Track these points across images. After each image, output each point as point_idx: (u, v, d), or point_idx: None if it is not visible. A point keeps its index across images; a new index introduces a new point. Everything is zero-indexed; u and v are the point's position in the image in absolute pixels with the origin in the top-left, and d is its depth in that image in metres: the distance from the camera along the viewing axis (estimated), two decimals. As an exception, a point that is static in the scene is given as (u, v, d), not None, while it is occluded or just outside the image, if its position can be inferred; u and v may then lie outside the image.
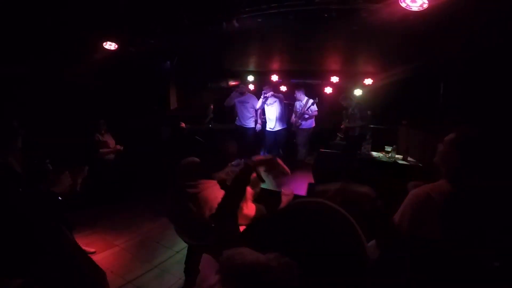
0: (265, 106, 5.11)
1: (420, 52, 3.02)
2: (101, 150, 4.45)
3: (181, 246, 3.03)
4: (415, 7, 1.98)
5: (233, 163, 5.67)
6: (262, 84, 5.67)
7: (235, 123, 5.37)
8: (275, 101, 5.02)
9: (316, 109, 5.16)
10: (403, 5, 2.02)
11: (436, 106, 3.18)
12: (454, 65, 2.60)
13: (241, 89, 5.13)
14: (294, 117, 5.30)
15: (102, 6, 3.03)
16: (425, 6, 1.92)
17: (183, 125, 5.28)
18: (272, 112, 5.09)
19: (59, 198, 1.38)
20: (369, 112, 4.95)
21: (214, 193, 1.78)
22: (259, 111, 5.29)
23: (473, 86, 2.46)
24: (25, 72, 3.50)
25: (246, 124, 5.27)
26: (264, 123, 5.52)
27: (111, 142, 4.55)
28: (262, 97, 5.04)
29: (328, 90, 5.59)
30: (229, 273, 0.48)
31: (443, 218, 1.12)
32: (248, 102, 5.16)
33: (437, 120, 3.09)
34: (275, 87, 5.22)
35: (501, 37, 2.00)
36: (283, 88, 5.76)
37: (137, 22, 3.49)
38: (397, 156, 3.93)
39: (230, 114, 5.73)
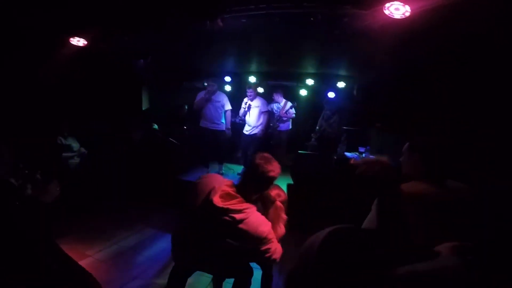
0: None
1: (395, 57, 3.26)
2: (64, 154, 4.07)
3: (164, 256, 2.88)
4: (397, 15, 2.13)
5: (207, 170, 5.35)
6: (239, 85, 5.64)
7: (200, 125, 4.68)
8: (259, 105, 4.67)
9: (294, 111, 5.29)
10: (386, 12, 2.16)
11: (406, 109, 3.45)
12: (425, 70, 2.85)
13: (211, 87, 4.50)
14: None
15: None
16: (407, 14, 2.08)
17: (155, 126, 5.04)
18: (253, 115, 4.67)
19: (50, 208, 1.28)
20: (346, 115, 5.20)
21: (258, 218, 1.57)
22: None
23: (443, 91, 2.72)
24: None
25: (217, 127, 4.62)
26: (237, 124, 5.35)
27: (75, 145, 4.19)
28: (244, 103, 4.67)
29: (304, 92, 5.77)
30: None
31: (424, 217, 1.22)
32: (218, 101, 4.56)
33: (408, 123, 3.36)
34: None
35: (477, 45, 2.24)
36: (260, 90, 5.76)
37: (111, 17, 3.25)
38: (370, 156, 4.17)
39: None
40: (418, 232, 1.15)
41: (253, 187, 1.64)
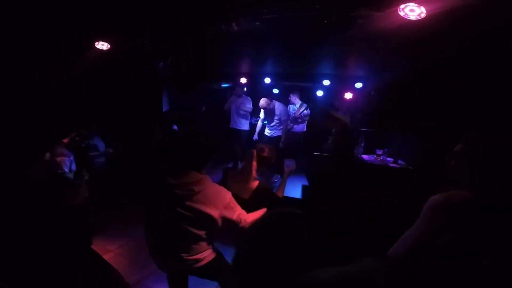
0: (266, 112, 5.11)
1: (412, 58, 3.16)
2: (90, 153, 4.32)
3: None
4: (413, 16, 2.07)
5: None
6: (255, 86, 5.73)
7: (229, 126, 5.36)
8: (278, 113, 5.03)
9: (309, 112, 5.25)
10: (401, 14, 2.11)
11: (426, 111, 3.33)
12: (446, 71, 2.74)
13: (238, 92, 5.16)
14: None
15: (95, 4, 2.95)
16: (423, 15, 2.02)
17: (175, 127, 5.22)
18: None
19: (83, 210, 1.36)
20: (358, 115, 5.10)
21: (216, 186, 1.59)
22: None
23: (464, 92, 2.61)
24: (16, 72, 3.34)
25: (240, 127, 5.26)
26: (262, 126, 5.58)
27: (101, 145, 4.43)
28: (262, 110, 5.06)
29: (320, 93, 5.71)
30: None
31: (464, 228, 1.11)
32: (242, 104, 5.17)
33: (428, 125, 3.24)
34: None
35: (494, 45, 2.13)
36: (276, 91, 5.81)
37: (131, 21, 3.42)
38: (388, 159, 4.07)
39: (223, 116, 5.72)
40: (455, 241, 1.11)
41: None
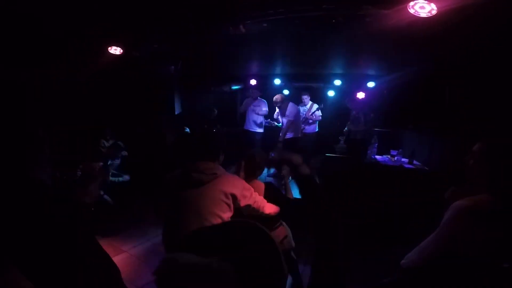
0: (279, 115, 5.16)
1: (426, 55, 3.05)
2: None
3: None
4: (423, 13, 2.00)
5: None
6: (265, 87, 5.73)
7: (243, 127, 5.41)
8: (289, 114, 5.00)
9: (320, 114, 5.18)
10: (411, 11, 2.04)
11: (442, 110, 3.20)
12: (461, 69, 2.62)
13: (254, 94, 5.21)
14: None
15: (107, 9, 3.05)
16: (434, 12, 1.94)
17: (187, 130, 5.31)
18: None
19: (92, 209, 1.40)
20: (372, 115, 4.97)
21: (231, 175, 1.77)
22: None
23: (480, 90, 2.48)
24: (29, 77, 3.51)
25: (254, 129, 5.30)
26: (273, 128, 5.60)
27: (116, 147, 4.57)
28: (276, 108, 5.10)
29: (331, 93, 5.62)
30: (169, 274, 0.56)
31: (486, 234, 1.08)
32: (258, 106, 5.21)
33: (444, 124, 3.11)
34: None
35: (508, 42, 2.02)
36: (286, 92, 5.78)
37: (141, 26, 3.50)
38: (403, 159, 3.94)
39: (234, 118, 5.76)
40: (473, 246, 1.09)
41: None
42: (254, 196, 1.75)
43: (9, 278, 1.02)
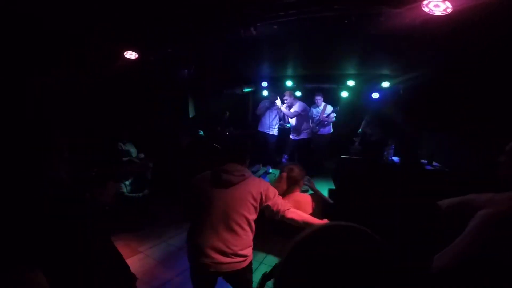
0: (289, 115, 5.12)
1: (443, 54, 2.94)
2: (123, 158, 4.61)
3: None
4: (438, 11, 1.93)
5: (253, 168, 5.79)
6: (277, 89, 5.73)
7: (258, 128, 5.43)
8: (301, 111, 5.02)
9: (335, 115, 5.11)
10: (425, 9, 1.98)
11: (462, 110, 3.07)
12: (480, 68, 2.51)
13: (272, 98, 5.21)
14: (311, 123, 5.27)
15: (123, 14, 3.14)
16: (449, 10, 1.87)
17: (201, 133, 5.39)
18: (298, 122, 5.10)
19: (106, 208, 1.46)
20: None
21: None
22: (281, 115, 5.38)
23: (503, 90, 2.36)
24: (52, 82, 3.68)
25: (269, 131, 5.33)
26: (286, 129, 5.57)
27: (133, 150, 4.70)
28: (285, 103, 5.08)
29: (344, 94, 5.53)
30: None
31: None
32: (276, 110, 5.24)
33: (466, 125, 2.98)
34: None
35: None
36: (298, 93, 5.74)
37: (156, 31, 3.58)
38: (422, 161, 3.81)
39: (246, 120, 5.80)
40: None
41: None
42: (276, 199, 1.78)
43: (29, 276, 1.08)
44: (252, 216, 1.73)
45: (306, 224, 1.70)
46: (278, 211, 1.74)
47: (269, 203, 1.74)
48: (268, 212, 1.78)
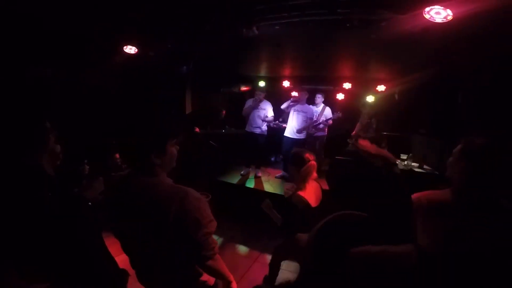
0: (292, 113, 4.98)
1: (438, 60, 3.04)
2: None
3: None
4: (439, 19, 2.01)
5: (242, 172, 5.75)
6: (274, 89, 5.75)
7: (245, 129, 5.23)
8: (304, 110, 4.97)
9: (332, 118, 5.16)
10: (427, 16, 2.05)
11: (453, 115, 3.18)
12: (474, 75, 2.61)
13: (258, 96, 4.98)
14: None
15: (123, 10, 3.11)
16: (449, 18, 1.95)
17: (197, 130, 5.34)
18: (298, 120, 4.95)
19: (89, 203, 1.41)
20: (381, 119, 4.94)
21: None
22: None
23: (493, 97, 2.47)
24: (51, 74, 3.60)
25: (257, 131, 5.10)
26: (280, 128, 5.54)
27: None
28: (291, 100, 4.98)
29: (340, 96, 5.60)
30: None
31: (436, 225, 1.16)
32: (264, 109, 5.04)
33: (455, 130, 3.10)
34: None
35: None
36: (294, 94, 5.76)
37: (156, 26, 3.55)
38: (413, 164, 3.93)
39: (243, 119, 5.79)
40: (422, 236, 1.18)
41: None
42: None
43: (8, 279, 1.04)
44: None
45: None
46: None
47: None
48: None
